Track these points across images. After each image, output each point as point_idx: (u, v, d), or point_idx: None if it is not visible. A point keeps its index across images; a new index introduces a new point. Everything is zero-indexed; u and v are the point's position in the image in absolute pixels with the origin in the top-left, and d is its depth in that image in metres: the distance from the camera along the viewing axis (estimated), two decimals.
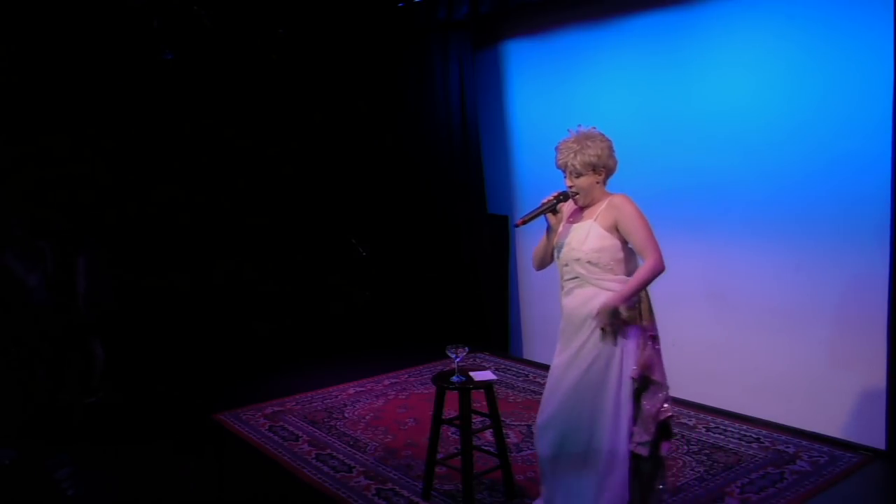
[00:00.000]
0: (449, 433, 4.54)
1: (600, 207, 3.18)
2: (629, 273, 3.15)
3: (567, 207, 3.28)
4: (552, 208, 3.22)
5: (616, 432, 3.12)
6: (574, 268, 3.17)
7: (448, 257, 6.82)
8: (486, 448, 4.04)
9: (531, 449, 4.51)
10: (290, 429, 5.03)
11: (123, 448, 4.80)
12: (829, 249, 4.45)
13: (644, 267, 3.08)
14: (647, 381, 3.12)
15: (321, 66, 6.96)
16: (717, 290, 5.05)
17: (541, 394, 5.36)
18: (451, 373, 3.86)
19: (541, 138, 6.17)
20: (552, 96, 6.03)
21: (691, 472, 4.11)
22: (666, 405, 3.11)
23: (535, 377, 5.90)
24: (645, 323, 3.14)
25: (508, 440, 4.44)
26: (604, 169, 3.17)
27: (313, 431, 4.97)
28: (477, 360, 6.27)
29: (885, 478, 4.09)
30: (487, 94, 6.56)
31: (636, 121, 5.39)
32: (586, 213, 3.23)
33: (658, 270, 3.05)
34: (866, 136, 4.23)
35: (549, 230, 3.29)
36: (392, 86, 7.07)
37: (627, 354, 3.11)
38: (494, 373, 4.42)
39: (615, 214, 3.14)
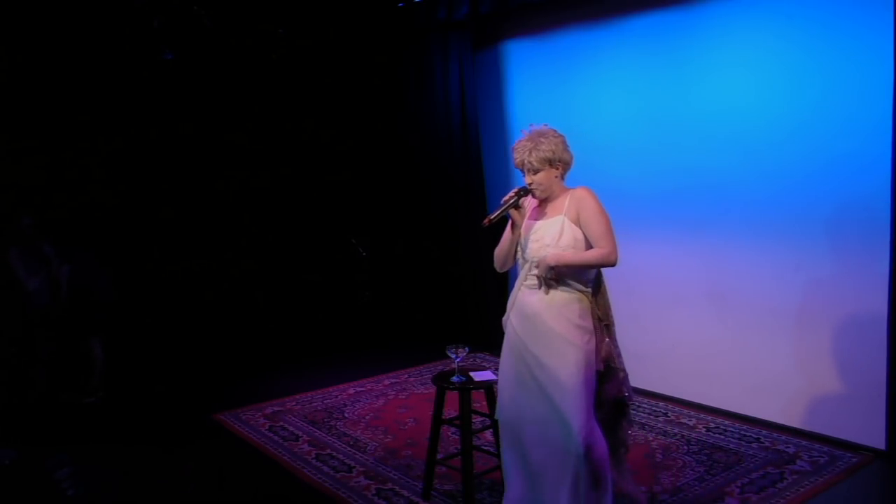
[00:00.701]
0: (449, 433, 4.54)
1: (565, 202, 3.23)
2: (589, 275, 3.23)
3: (528, 206, 3.33)
4: (515, 204, 3.28)
5: (598, 433, 3.12)
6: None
7: (448, 257, 6.82)
8: (486, 448, 4.04)
9: None
10: (290, 429, 5.03)
11: (123, 448, 4.80)
12: (829, 249, 4.45)
13: (596, 250, 3.15)
14: (609, 369, 3.23)
15: (321, 66, 6.96)
16: (717, 290, 5.05)
17: None
18: (451, 373, 3.86)
19: None
20: (552, 96, 6.03)
21: (691, 472, 4.11)
22: (624, 386, 3.25)
23: None
24: (601, 314, 3.24)
25: None
26: (560, 163, 3.24)
27: (313, 431, 4.97)
28: (477, 360, 6.27)
29: (885, 478, 4.09)
30: (487, 94, 6.56)
31: (636, 121, 5.40)
32: (549, 209, 3.27)
33: (607, 259, 3.14)
34: (866, 136, 4.22)
35: (514, 227, 3.33)
36: (392, 86, 7.06)
37: (589, 357, 3.14)
38: (494, 373, 4.42)
39: (577, 206, 3.20)
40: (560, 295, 3.19)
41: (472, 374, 3.89)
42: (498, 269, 3.48)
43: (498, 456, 3.87)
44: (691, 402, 5.14)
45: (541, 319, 3.19)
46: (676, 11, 5.08)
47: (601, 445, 3.10)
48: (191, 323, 6.47)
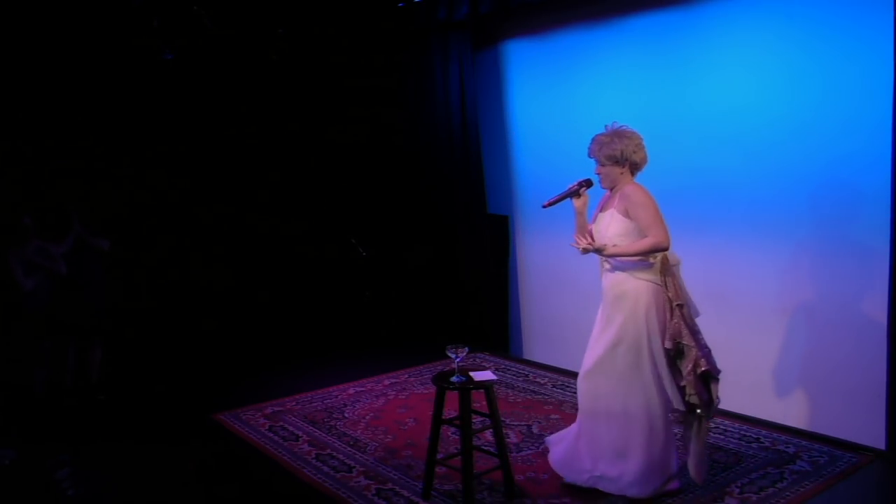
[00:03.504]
0: (449, 433, 4.54)
1: (618, 195, 3.67)
2: (647, 260, 3.60)
3: (604, 197, 3.80)
4: (575, 193, 3.78)
5: (652, 400, 3.59)
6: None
7: (448, 257, 6.82)
8: (486, 448, 4.04)
9: (531, 449, 4.51)
10: (290, 429, 5.03)
11: (123, 448, 4.80)
12: (829, 249, 4.45)
13: (646, 240, 3.54)
14: (680, 346, 3.53)
15: (321, 66, 6.96)
16: (718, 290, 5.04)
17: (541, 394, 5.38)
18: (451, 373, 3.86)
19: (541, 138, 6.19)
20: (552, 96, 6.03)
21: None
22: (701, 360, 3.50)
23: (535, 377, 5.90)
24: (670, 294, 3.56)
25: (508, 440, 4.45)
26: (627, 162, 3.64)
27: (313, 431, 4.97)
28: (477, 360, 6.27)
29: (885, 478, 4.09)
30: (487, 94, 6.56)
31: (636, 121, 5.32)
32: (610, 202, 3.71)
33: (659, 246, 3.52)
34: (866, 136, 4.22)
35: (577, 213, 3.82)
36: (392, 86, 7.06)
37: (654, 330, 3.58)
38: (494, 373, 4.42)
39: (626, 203, 3.61)
40: (618, 277, 3.64)
41: (472, 374, 3.89)
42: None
43: (498, 456, 3.89)
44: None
45: (606, 299, 3.71)
46: (676, 11, 5.08)
47: (678, 401, 3.58)
48: (191, 323, 6.47)
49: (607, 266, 3.70)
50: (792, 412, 4.65)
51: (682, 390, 3.59)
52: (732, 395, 4.94)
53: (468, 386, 3.79)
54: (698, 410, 3.55)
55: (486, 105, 6.56)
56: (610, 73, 5.55)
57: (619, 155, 3.62)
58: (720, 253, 5.00)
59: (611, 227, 3.63)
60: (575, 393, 5.46)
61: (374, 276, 7.42)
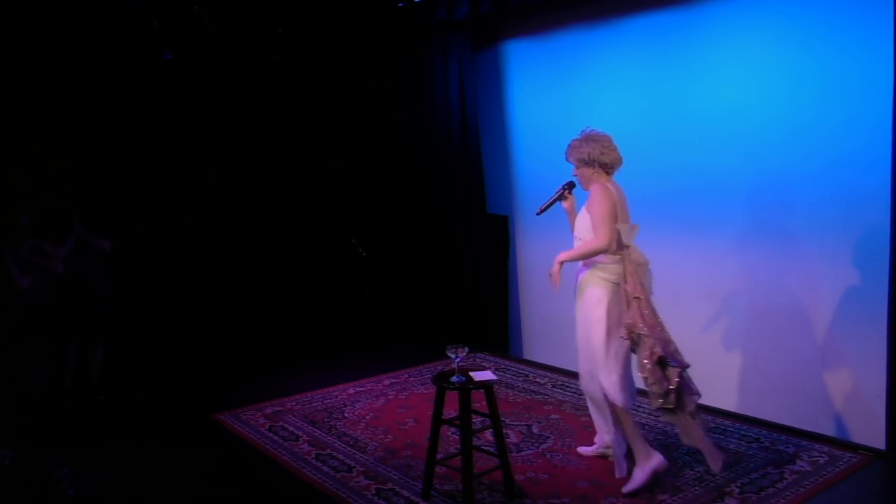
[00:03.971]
0: (449, 433, 4.53)
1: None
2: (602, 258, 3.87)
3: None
4: (562, 196, 4.12)
5: (610, 386, 3.86)
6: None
7: (448, 257, 6.82)
8: (486, 448, 4.04)
9: (531, 449, 4.52)
10: (290, 429, 5.03)
11: (123, 447, 4.80)
12: (829, 249, 4.45)
13: (588, 242, 3.86)
14: (634, 336, 3.72)
15: (321, 66, 6.96)
16: (718, 291, 5.05)
17: (541, 394, 5.39)
18: (451, 373, 3.86)
19: (541, 138, 6.19)
20: (552, 96, 6.03)
21: (691, 472, 4.11)
22: (657, 346, 3.66)
23: (535, 377, 5.90)
24: (629, 288, 3.76)
25: (508, 440, 4.45)
26: (596, 163, 3.89)
27: (313, 431, 4.97)
28: (477, 360, 6.27)
29: (885, 478, 4.08)
30: (487, 94, 6.56)
31: (636, 121, 5.40)
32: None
33: (597, 248, 3.81)
34: (866, 136, 4.23)
35: (568, 214, 4.13)
36: (392, 86, 7.06)
37: (613, 325, 3.83)
38: (494, 373, 4.42)
39: (589, 201, 3.89)
40: (585, 275, 3.94)
41: (472, 374, 3.89)
42: None
43: (498, 456, 3.89)
44: None
45: (580, 291, 3.98)
46: (676, 11, 5.09)
47: (613, 395, 3.84)
48: (191, 323, 6.47)
49: (580, 265, 3.99)
50: (792, 412, 4.65)
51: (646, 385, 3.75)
52: (732, 395, 4.96)
53: (468, 386, 3.79)
54: (667, 407, 3.69)
55: (486, 105, 6.56)
56: (610, 73, 5.55)
57: (587, 157, 3.89)
58: (720, 253, 5.00)
59: (582, 224, 3.93)
60: (575, 393, 5.48)
61: (374, 276, 7.42)
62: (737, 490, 3.87)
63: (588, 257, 3.88)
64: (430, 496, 3.92)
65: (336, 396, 5.66)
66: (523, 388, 5.67)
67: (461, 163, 6.54)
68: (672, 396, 3.65)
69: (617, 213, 3.82)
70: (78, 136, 5.96)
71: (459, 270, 6.74)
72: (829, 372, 4.48)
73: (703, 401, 5.04)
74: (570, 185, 4.10)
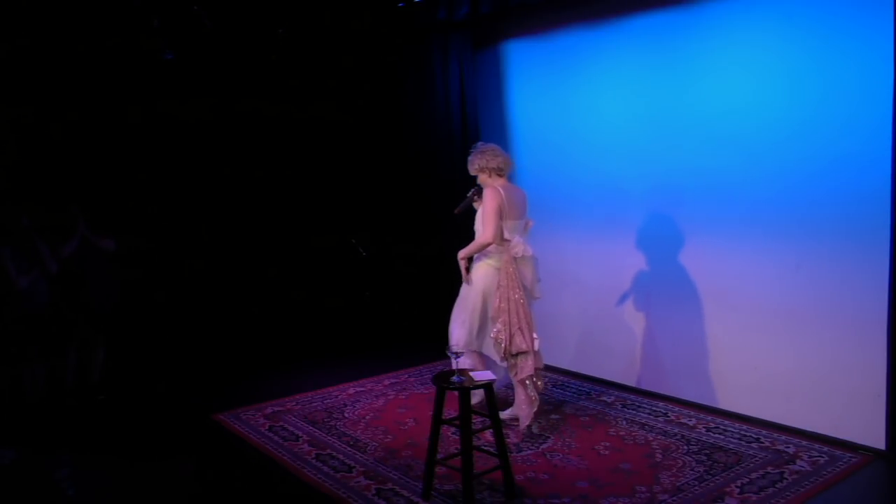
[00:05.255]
0: (449, 433, 4.54)
1: None
2: (488, 252, 4.73)
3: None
4: (472, 199, 4.89)
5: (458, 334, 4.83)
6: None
7: (448, 257, 6.80)
8: (486, 448, 4.04)
9: (531, 449, 4.52)
10: (290, 429, 5.03)
11: (123, 448, 4.80)
12: (829, 249, 4.45)
13: (476, 239, 4.70)
14: (496, 314, 4.58)
15: (321, 66, 6.96)
16: (718, 290, 5.04)
17: (541, 394, 5.37)
18: (451, 373, 3.86)
19: (541, 138, 6.19)
20: (552, 96, 6.03)
21: (691, 472, 4.11)
22: (497, 327, 4.55)
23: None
24: (501, 278, 4.59)
25: (508, 440, 4.45)
26: (487, 170, 4.74)
27: (313, 431, 4.98)
28: None
29: (885, 478, 4.08)
30: (487, 94, 6.56)
31: (636, 121, 5.40)
32: None
33: (484, 242, 4.62)
34: (866, 136, 4.22)
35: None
36: (392, 86, 7.06)
37: (489, 297, 4.69)
38: (494, 373, 4.42)
39: (482, 202, 4.68)
40: (477, 263, 4.78)
41: (472, 374, 3.89)
42: None
43: (498, 455, 3.89)
44: (691, 402, 5.14)
45: (472, 275, 4.79)
46: (676, 11, 5.08)
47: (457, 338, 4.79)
48: (191, 323, 6.47)
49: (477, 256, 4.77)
50: (792, 412, 4.65)
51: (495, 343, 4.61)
52: (732, 395, 4.96)
53: (468, 386, 3.79)
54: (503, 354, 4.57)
55: (486, 105, 6.56)
56: (610, 73, 5.55)
57: (478, 167, 4.75)
58: (720, 253, 5.00)
59: (478, 221, 4.75)
60: (575, 392, 5.48)
61: (374, 276, 7.42)
62: (737, 490, 3.87)
63: (479, 250, 4.68)
64: (430, 496, 3.92)
65: (336, 396, 5.66)
66: None
67: (461, 163, 6.50)
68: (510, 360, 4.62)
69: (502, 212, 4.58)
70: (77, 135, 5.95)
71: (459, 271, 6.73)
72: (829, 372, 4.48)
73: (703, 400, 5.10)
74: (479, 190, 4.80)
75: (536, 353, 4.59)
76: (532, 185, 6.33)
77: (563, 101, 5.92)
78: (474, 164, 4.78)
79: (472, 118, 6.43)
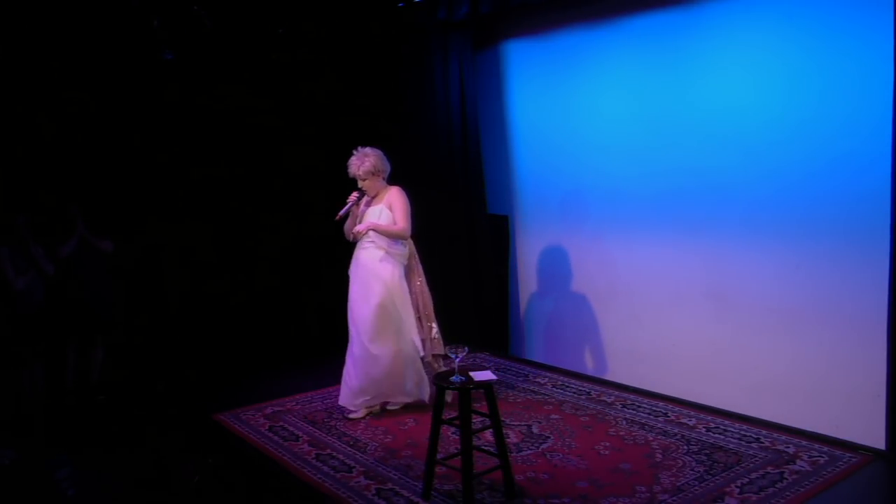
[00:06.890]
0: (449, 433, 4.54)
1: (384, 196, 5.04)
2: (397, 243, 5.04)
3: (366, 199, 5.09)
4: (356, 203, 5.05)
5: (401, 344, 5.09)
6: (370, 234, 4.94)
7: (448, 257, 6.81)
8: (486, 448, 4.04)
9: (531, 449, 4.52)
10: (290, 429, 5.03)
11: (123, 448, 4.80)
12: (829, 249, 4.45)
13: (398, 225, 4.95)
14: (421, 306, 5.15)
15: (321, 66, 6.95)
16: (717, 290, 5.05)
17: (541, 394, 5.39)
18: (451, 373, 3.86)
19: (541, 138, 6.19)
20: (552, 96, 6.03)
21: (691, 472, 4.11)
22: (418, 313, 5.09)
23: (535, 377, 5.90)
24: (417, 274, 5.15)
25: (508, 440, 4.45)
26: (381, 172, 4.99)
27: (313, 431, 4.98)
28: (477, 360, 6.27)
29: (885, 478, 4.08)
30: (487, 94, 6.56)
31: (636, 121, 5.40)
32: (376, 200, 5.06)
33: (401, 233, 4.96)
34: (866, 136, 4.22)
35: (354, 214, 5.10)
36: (392, 86, 7.06)
37: (405, 292, 5.08)
38: (494, 373, 4.42)
39: (390, 199, 4.98)
40: (376, 253, 4.97)
41: (472, 374, 3.89)
42: (349, 240, 5.18)
43: (498, 455, 3.89)
44: (691, 402, 5.13)
45: (364, 270, 5.01)
46: (676, 11, 5.08)
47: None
48: (191, 323, 6.46)
49: (366, 245, 4.98)
50: (792, 412, 4.65)
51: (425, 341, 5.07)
52: (732, 395, 4.96)
53: (468, 386, 3.79)
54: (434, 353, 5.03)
55: (486, 105, 6.56)
56: (610, 73, 5.55)
57: (374, 169, 4.94)
58: (719, 253, 5.00)
59: (381, 218, 4.95)
60: (575, 392, 5.48)
61: None
62: (737, 490, 3.87)
63: (389, 236, 4.94)
64: (430, 496, 3.92)
65: (336, 396, 5.65)
66: (523, 388, 5.67)
67: (461, 162, 6.53)
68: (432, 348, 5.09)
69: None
70: (77, 135, 5.95)
71: (459, 270, 6.74)
72: (829, 372, 4.48)
73: (703, 400, 5.10)
74: (362, 194, 5.02)
75: (434, 340, 5.11)
76: (532, 185, 6.36)
77: (564, 101, 5.93)
78: (369, 165, 4.93)
79: (472, 118, 6.43)
